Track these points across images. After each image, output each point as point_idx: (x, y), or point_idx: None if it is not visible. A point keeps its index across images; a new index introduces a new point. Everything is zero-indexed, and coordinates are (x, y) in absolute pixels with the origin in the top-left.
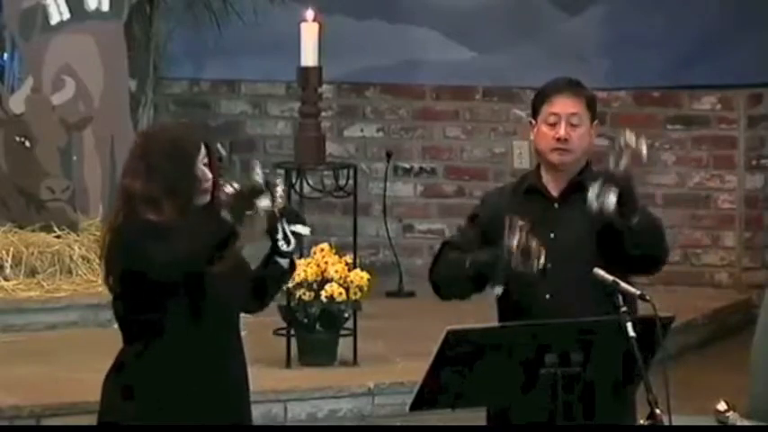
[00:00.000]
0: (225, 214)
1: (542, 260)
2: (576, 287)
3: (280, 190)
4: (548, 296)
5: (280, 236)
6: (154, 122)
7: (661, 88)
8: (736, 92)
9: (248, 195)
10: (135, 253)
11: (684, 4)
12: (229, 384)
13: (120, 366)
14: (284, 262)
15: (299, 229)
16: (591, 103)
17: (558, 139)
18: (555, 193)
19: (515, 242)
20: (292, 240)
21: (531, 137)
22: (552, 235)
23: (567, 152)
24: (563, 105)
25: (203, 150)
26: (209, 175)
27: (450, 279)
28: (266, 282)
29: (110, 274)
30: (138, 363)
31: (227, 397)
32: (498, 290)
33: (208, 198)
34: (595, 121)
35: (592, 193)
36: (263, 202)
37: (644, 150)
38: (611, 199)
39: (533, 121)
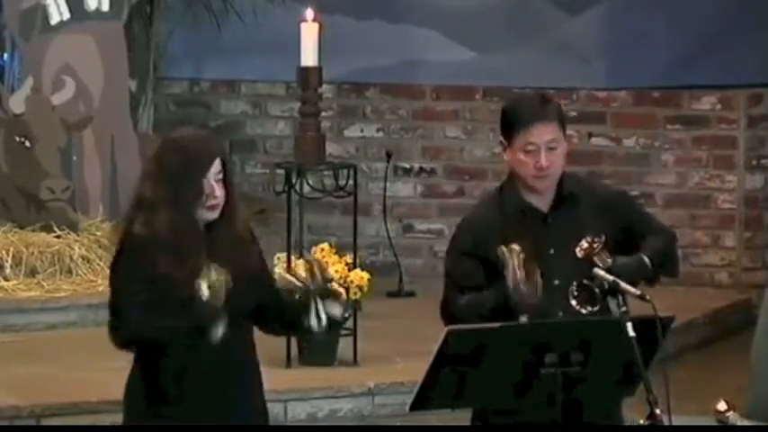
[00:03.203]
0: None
1: (539, 290)
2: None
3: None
4: (561, 313)
5: (312, 314)
6: (178, 129)
7: (661, 88)
8: (736, 92)
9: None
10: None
11: (684, 4)
12: (236, 404)
13: (131, 376)
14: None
15: (335, 311)
16: (562, 120)
17: (540, 168)
18: (544, 209)
19: (511, 281)
20: (323, 319)
21: (505, 158)
22: (552, 251)
23: (549, 177)
24: (540, 134)
25: (218, 165)
26: (218, 192)
27: (475, 318)
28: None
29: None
30: (141, 374)
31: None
32: (523, 318)
33: (215, 215)
34: (565, 133)
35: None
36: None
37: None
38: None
39: (504, 142)
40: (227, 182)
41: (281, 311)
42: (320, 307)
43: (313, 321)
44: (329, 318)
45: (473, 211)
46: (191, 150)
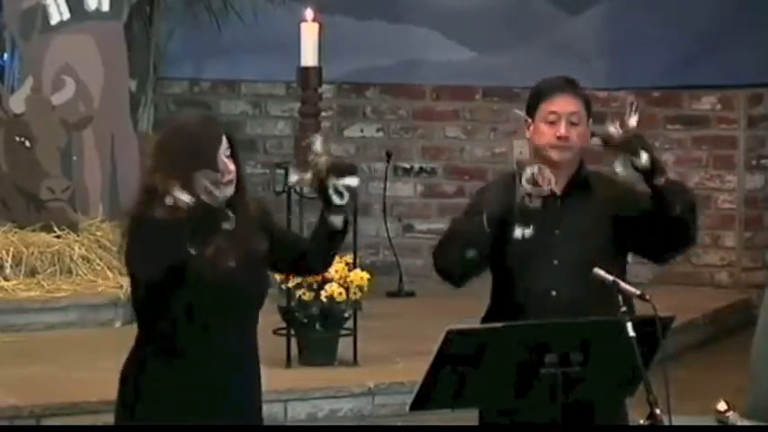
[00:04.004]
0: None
1: (552, 185)
2: (582, 283)
3: (318, 144)
4: (554, 293)
5: (331, 191)
6: (178, 113)
7: (661, 88)
8: (736, 92)
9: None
10: (126, 256)
11: (685, 4)
12: (231, 398)
13: (129, 359)
14: (338, 220)
15: (349, 181)
16: (588, 103)
17: (559, 138)
18: (556, 190)
19: (526, 176)
20: (345, 193)
21: (527, 135)
22: (557, 232)
23: (567, 149)
24: (562, 104)
25: (225, 142)
26: (232, 167)
27: (467, 240)
28: (318, 245)
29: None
30: (139, 358)
31: (228, 410)
32: (519, 232)
33: (231, 191)
34: (590, 121)
35: (619, 163)
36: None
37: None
38: (644, 156)
39: (529, 119)
40: (234, 156)
41: (311, 240)
42: (336, 183)
43: (334, 198)
44: (348, 188)
45: (490, 182)
46: (198, 132)
